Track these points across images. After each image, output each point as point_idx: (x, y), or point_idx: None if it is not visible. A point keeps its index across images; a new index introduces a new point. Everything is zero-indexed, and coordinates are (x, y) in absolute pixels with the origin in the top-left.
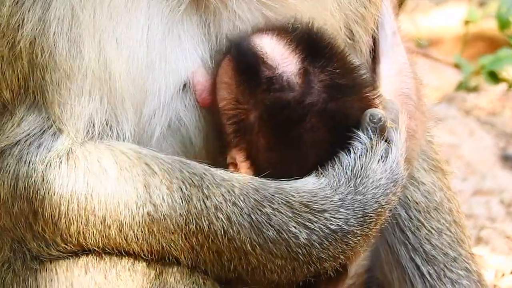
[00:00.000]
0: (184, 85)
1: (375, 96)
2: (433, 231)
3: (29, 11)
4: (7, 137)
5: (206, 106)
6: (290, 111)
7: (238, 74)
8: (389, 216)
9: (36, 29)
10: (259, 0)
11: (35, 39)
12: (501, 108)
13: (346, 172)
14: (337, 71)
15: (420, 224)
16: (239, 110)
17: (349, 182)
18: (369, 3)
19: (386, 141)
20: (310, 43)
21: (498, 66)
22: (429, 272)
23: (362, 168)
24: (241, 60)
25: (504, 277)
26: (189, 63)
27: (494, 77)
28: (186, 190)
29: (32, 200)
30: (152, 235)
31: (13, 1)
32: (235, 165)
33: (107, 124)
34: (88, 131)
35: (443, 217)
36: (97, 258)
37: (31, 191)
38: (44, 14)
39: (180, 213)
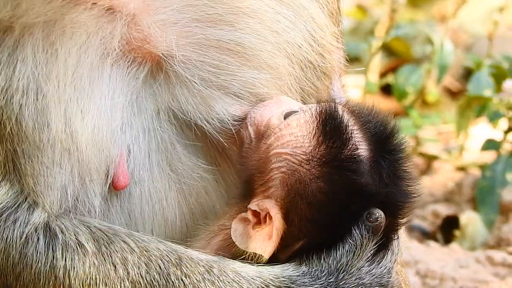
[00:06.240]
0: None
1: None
2: None
3: None
4: None
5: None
6: (355, 196)
7: (323, 136)
8: None
9: (2, 99)
10: (215, 73)
11: (1, 109)
12: None
13: (330, 265)
14: (401, 174)
15: None
16: (303, 169)
17: (330, 275)
18: (324, 76)
19: (384, 246)
20: (383, 137)
21: None
22: None
23: (347, 264)
24: (332, 126)
25: None
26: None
27: None
28: (165, 267)
29: (7, 276)
30: None
31: None
32: (256, 215)
33: (78, 198)
34: (62, 204)
35: None
36: None
37: (8, 267)
38: (8, 84)
39: None
